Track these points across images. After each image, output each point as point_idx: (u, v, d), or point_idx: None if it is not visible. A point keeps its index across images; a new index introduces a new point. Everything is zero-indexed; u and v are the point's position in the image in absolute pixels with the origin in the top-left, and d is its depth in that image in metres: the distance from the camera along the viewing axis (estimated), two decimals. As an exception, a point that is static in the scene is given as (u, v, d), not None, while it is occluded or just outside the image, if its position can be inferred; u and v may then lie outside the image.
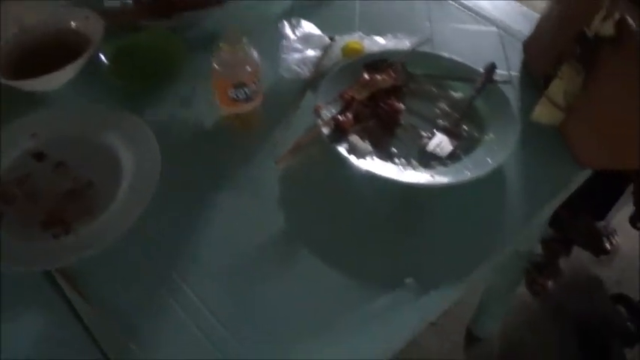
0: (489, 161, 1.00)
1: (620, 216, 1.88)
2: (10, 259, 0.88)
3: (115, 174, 1.00)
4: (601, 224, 1.94)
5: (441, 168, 1.01)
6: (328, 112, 1.06)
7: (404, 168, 1.01)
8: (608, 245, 1.98)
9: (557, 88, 1.05)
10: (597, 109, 1.02)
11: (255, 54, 1.04)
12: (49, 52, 1.19)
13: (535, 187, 1.03)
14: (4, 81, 1.11)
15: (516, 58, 1.25)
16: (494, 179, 1.00)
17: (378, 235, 0.96)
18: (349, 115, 1.05)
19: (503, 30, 1.33)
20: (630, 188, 1.72)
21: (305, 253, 0.93)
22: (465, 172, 0.99)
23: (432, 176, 0.98)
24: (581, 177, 1.07)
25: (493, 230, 0.97)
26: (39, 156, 1.04)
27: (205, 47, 1.09)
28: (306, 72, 1.19)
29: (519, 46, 1.27)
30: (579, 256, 1.98)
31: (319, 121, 1.04)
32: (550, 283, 1.93)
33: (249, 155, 1.07)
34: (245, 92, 1.04)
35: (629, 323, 1.75)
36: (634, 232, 1.67)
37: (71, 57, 1.13)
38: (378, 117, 1.08)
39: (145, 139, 1.03)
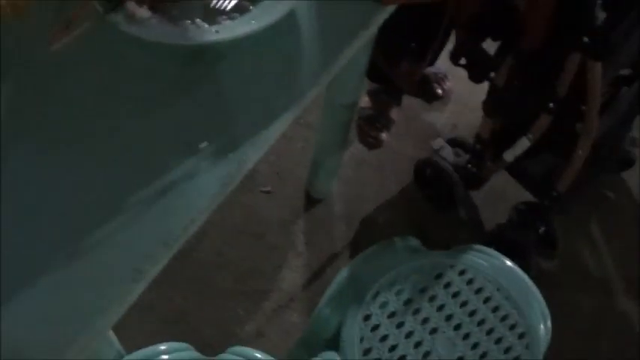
0: (278, 7, 0.92)
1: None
2: None
3: None
4: (430, 70, 1.93)
5: (228, 22, 0.93)
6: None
7: (188, 29, 0.92)
8: (439, 90, 1.98)
9: None
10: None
11: None
12: None
13: (333, 30, 0.97)
14: None
15: None
16: (287, 27, 0.94)
17: (168, 103, 0.88)
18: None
19: None
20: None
21: (88, 131, 0.85)
22: (252, 22, 0.91)
23: (216, 32, 0.90)
24: (382, 15, 1.02)
25: (291, 81, 0.92)
26: None
27: None
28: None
29: None
30: (411, 104, 1.98)
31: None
32: (383, 135, 1.92)
33: (24, 42, 0.94)
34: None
35: (469, 165, 1.75)
36: (465, 73, 1.65)
37: None
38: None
39: None
